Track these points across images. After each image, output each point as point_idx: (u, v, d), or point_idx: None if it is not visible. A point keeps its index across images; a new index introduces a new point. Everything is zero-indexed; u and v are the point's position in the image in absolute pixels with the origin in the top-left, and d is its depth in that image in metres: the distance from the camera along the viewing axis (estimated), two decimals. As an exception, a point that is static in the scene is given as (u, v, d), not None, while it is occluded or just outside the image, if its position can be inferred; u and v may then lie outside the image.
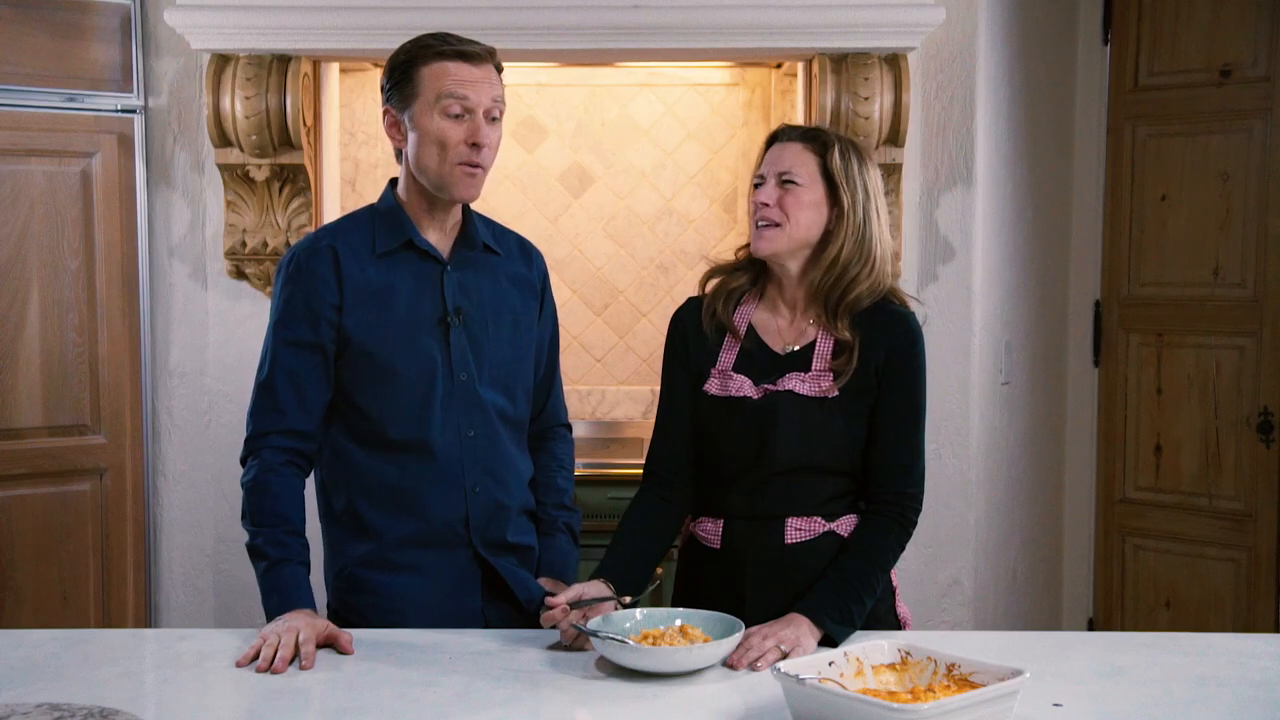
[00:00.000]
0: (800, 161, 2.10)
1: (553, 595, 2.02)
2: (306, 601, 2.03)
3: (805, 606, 1.99)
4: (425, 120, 2.08)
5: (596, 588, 2.03)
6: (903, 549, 2.13)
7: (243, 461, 2.15)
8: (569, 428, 2.41)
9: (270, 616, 2.01)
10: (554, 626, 1.98)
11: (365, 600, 2.14)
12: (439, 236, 2.17)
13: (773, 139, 2.17)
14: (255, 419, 2.14)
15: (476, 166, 2.09)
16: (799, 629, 1.95)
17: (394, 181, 2.21)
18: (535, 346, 2.29)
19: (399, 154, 2.17)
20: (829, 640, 1.97)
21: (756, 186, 2.13)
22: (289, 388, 2.12)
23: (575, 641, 1.97)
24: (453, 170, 2.08)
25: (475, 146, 2.07)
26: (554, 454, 2.36)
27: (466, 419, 2.16)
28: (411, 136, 2.10)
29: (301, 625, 1.94)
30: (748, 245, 2.18)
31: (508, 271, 2.25)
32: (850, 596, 2.02)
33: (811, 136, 2.12)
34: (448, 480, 2.14)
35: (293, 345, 2.12)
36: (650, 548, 2.17)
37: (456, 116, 2.07)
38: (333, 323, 2.11)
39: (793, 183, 2.08)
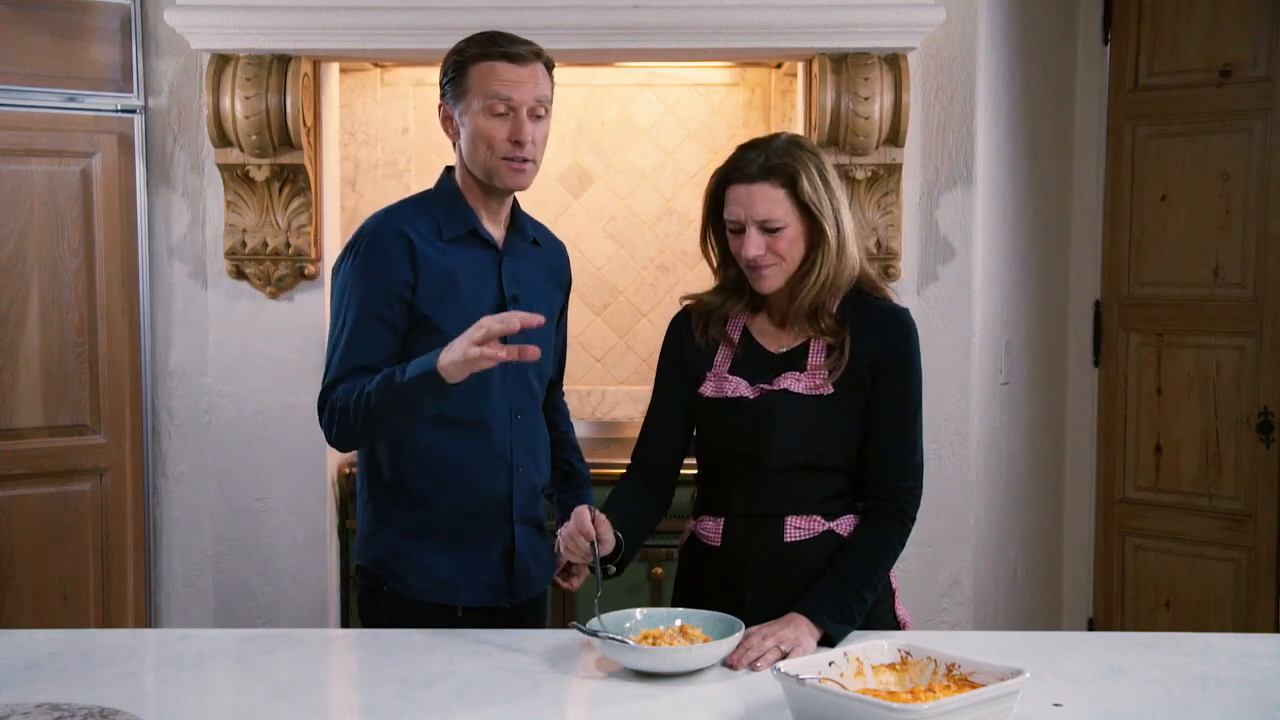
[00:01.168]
0: (774, 202, 2.05)
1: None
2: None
3: (804, 606, 1.99)
4: (473, 118, 2.20)
5: (605, 526, 2.00)
6: (903, 545, 2.13)
7: (321, 409, 2.18)
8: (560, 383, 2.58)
9: (423, 378, 2.01)
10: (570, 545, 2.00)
11: (406, 566, 2.23)
12: (493, 225, 2.29)
13: (729, 177, 2.09)
14: (330, 379, 2.18)
15: (523, 160, 2.20)
16: (799, 629, 1.95)
17: (449, 169, 2.32)
18: (560, 339, 2.45)
19: (455, 145, 2.27)
20: (828, 639, 1.97)
21: (734, 232, 2.09)
22: (365, 355, 2.17)
23: (574, 550, 1.99)
24: (499, 163, 2.20)
25: (518, 143, 2.18)
26: (558, 409, 2.52)
27: (518, 402, 2.29)
28: (463, 132, 2.23)
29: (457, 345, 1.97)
30: (721, 269, 2.19)
31: (547, 265, 2.40)
32: (850, 595, 2.02)
33: (775, 171, 2.05)
34: (497, 458, 2.25)
35: (370, 317, 2.18)
36: (636, 525, 2.16)
37: (500, 115, 2.18)
38: (406, 300, 2.19)
39: (776, 228, 2.05)
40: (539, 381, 2.36)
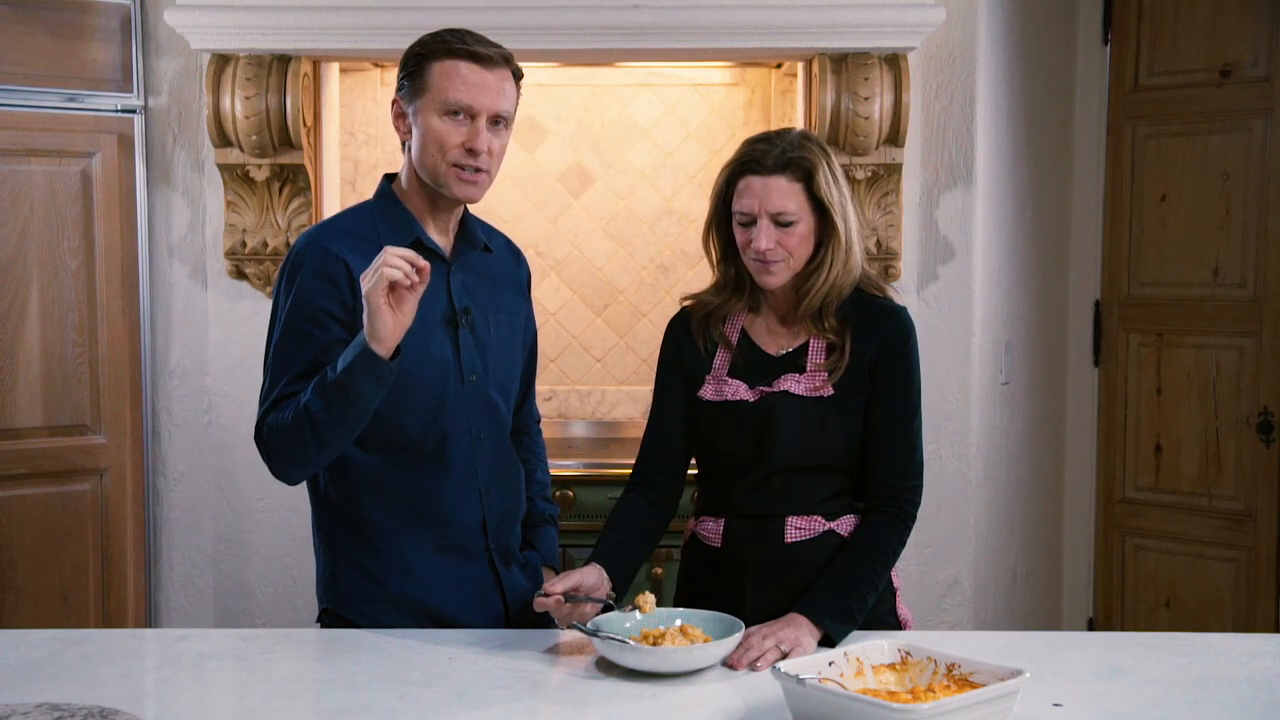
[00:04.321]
0: (789, 196, 2.04)
1: (548, 587, 2.01)
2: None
3: (805, 606, 1.99)
4: (427, 117, 2.04)
5: (594, 573, 2.01)
6: (904, 544, 2.13)
7: (259, 440, 2.04)
8: (539, 422, 2.44)
9: (356, 360, 1.90)
10: (545, 611, 1.97)
11: (380, 608, 2.11)
12: (440, 234, 2.14)
13: (744, 168, 2.08)
14: (266, 405, 2.05)
15: (476, 170, 2.05)
16: (799, 629, 1.95)
17: (389, 177, 2.18)
18: (524, 348, 2.28)
19: (405, 145, 2.13)
20: (829, 639, 1.97)
21: (743, 225, 2.07)
22: (296, 383, 2.03)
23: (564, 619, 1.96)
24: (448, 170, 2.04)
25: (472, 152, 2.03)
26: (533, 449, 2.37)
27: (479, 422, 2.14)
28: (415, 131, 2.07)
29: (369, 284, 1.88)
30: (722, 264, 2.17)
31: (501, 272, 2.24)
32: (850, 594, 2.02)
33: (792, 165, 2.05)
34: (463, 484, 2.13)
35: (300, 335, 2.04)
36: (637, 546, 2.16)
37: (456, 118, 2.03)
38: (345, 324, 2.04)
39: (789, 223, 2.04)
40: (503, 398, 2.19)
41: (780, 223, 2.05)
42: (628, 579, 2.10)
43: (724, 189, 2.12)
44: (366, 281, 1.87)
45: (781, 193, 2.04)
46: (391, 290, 1.87)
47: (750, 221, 2.06)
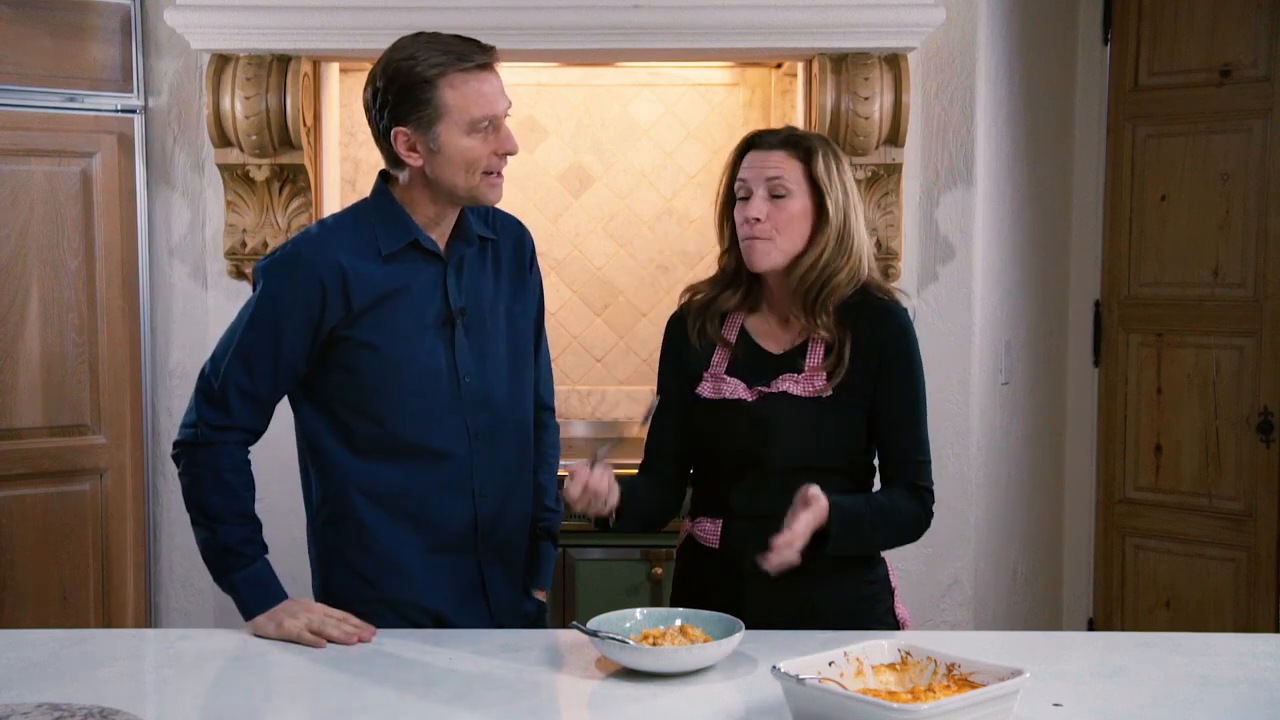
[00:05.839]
0: (787, 169, 2.09)
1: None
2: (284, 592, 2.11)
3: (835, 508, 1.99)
4: (453, 138, 2.01)
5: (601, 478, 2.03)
6: (917, 531, 2.13)
7: (187, 444, 2.11)
8: (553, 412, 2.36)
9: (258, 611, 2.06)
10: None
11: (373, 609, 2.11)
12: (439, 234, 2.12)
13: (750, 145, 2.15)
14: (208, 411, 2.10)
15: (500, 172, 2.07)
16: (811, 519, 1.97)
17: (384, 175, 2.13)
18: (532, 329, 2.26)
19: (397, 160, 2.07)
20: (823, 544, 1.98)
21: (742, 199, 2.12)
22: (245, 397, 2.10)
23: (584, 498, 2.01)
24: (481, 180, 2.05)
25: (505, 155, 2.05)
26: (539, 448, 2.30)
27: (474, 422, 2.13)
28: (436, 155, 2.02)
29: (316, 607, 2.05)
30: (726, 254, 2.19)
31: (501, 258, 2.20)
32: (866, 519, 2.05)
33: (794, 143, 2.11)
34: (456, 486, 2.12)
35: (267, 353, 2.08)
36: (637, 497, 2.15)
37: (484, 128, 2.02)
38: (332, 334, 2.05)
39: (783, 194, 2.08)
40: (505, 395, 2.16)
41: (775, 194, 2.08)
42: (632, 514, 2.12)
43: (733, 166, 2.16)
44: (306, 621, 2.01)
45: (780, 164, 2.10)
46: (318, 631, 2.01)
47: (748, 195, 2.11)
